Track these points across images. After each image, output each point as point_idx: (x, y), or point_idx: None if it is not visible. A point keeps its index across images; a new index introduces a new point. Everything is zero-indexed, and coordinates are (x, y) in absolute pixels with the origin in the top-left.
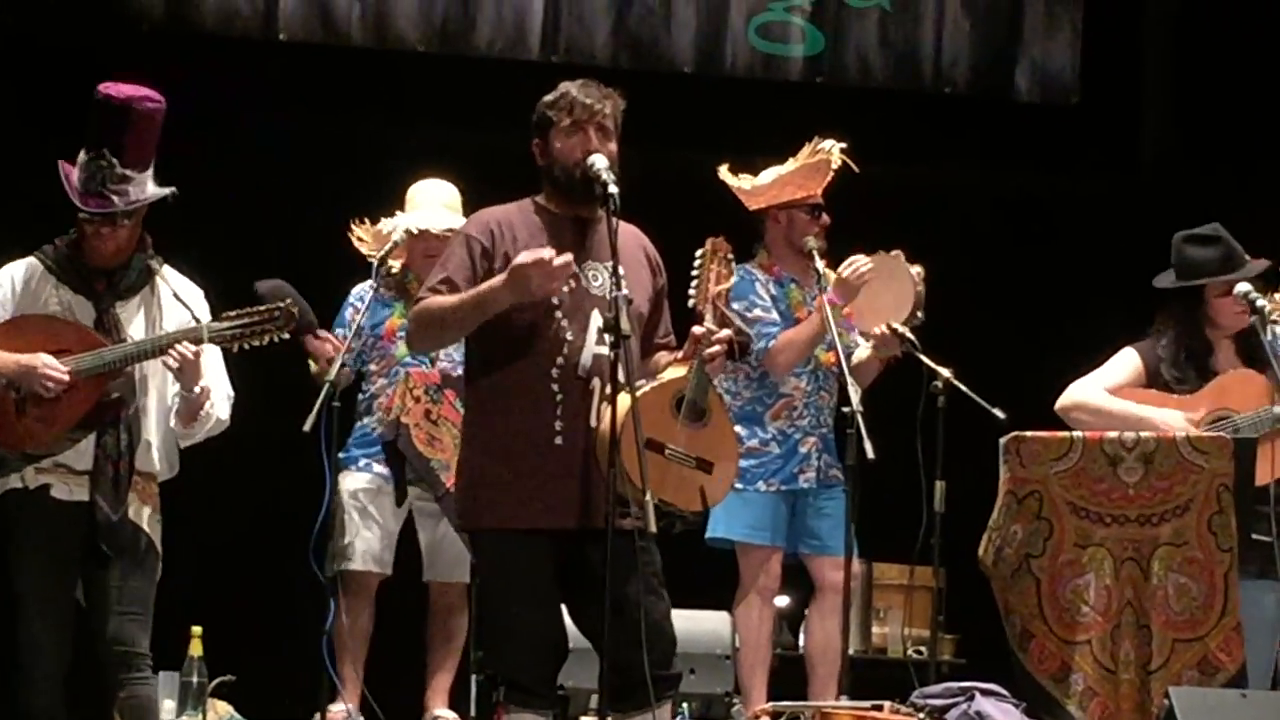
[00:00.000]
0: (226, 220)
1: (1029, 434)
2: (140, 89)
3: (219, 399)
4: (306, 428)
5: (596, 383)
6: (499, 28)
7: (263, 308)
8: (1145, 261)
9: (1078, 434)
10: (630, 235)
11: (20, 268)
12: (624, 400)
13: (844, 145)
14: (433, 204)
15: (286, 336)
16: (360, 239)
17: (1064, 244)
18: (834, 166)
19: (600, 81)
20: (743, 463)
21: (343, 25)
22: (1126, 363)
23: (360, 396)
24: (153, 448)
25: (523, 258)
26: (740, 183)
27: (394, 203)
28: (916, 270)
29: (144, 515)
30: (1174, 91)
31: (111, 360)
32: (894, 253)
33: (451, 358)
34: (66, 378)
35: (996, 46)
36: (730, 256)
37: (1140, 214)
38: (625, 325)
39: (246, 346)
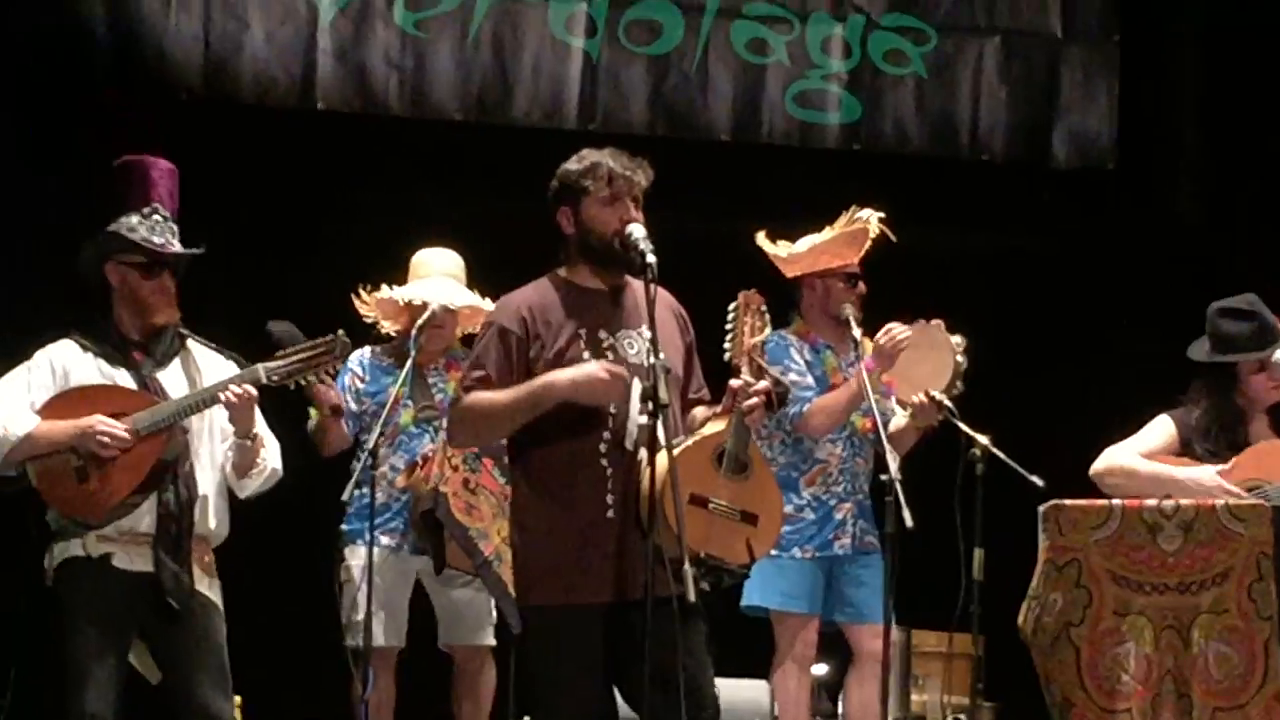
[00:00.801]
0: (253, 284)
1: (1068, 502)
2: (147, 156)
3: (271, 449)
4: (345, 497)
5: (644, 453)
6: (536, 97)
7: (316, 340)
8: (1182, 327)
9: (1116, 502)
10: (659, 298)
11: (57, 348)
12: (663, 462)
13: (882, 215)
14: (444, 274)
15: (339, 368)
16: (365, 304)
17: (1102, 310)
18: (872, 235)
19: (637, 150)
20: None
21: (380, 95)
22: (1161, 430)
23: (354, 465)
24: (208, 504)
25: (594, 369)
26: (778, 250)
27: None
28: (957, 340)
29: (204, 582)
30: (1210, 156)
31: (169, 414)
32: (935, 322)
33: None
34: (126, 434)
35: (1033, 113)
36: (764, 309)
37: (1177, 279)
38: (664, 393)
39: (303, 382)
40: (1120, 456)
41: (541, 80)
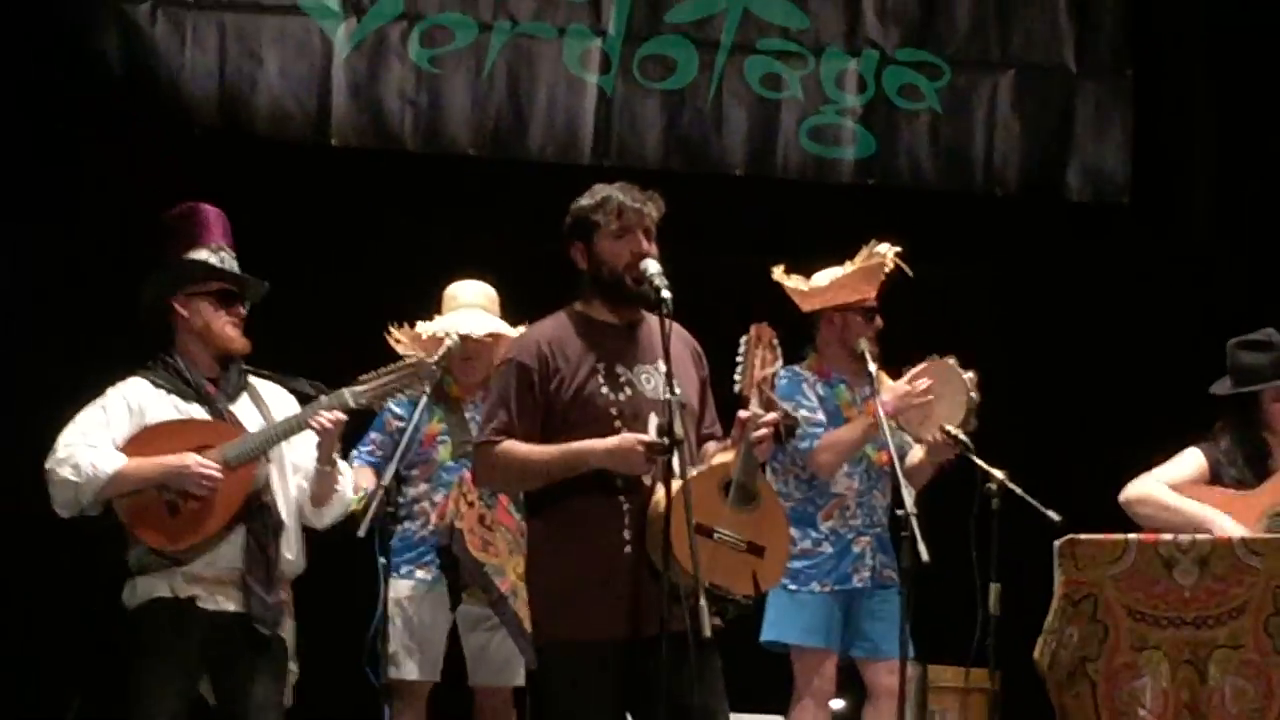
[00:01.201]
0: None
1: (1083, 537)
2: (199, 203)
3: (345, 476)
4: (361, 533)
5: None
6: (550, 132)
7: (403, 363)
8: (1198, 361)
9: (1132, 536)
10: (674, 332)
11: (129, 386)
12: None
13: (899, 249)
14: (471, 305)
15: (426, 389)
16: (398, 340)
17: (1116, 344)
18: (888, 270)
19: (651, 185)
20: (796, 564)
21: (395, 129)
22: (1191, 461)
23: (400, 501)
24: (289, 534)
25: (630, 440)
26: (796, 284)
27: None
28: (970, 376)
29: (284, 624)
30: (1225, 190)
31: (258, 444)
32: (948, 359)
33: None
34: (219, 473)
35: (1047, 147)
36: (775, 342)
37: (1193, 313)
38: (679, 428)
39: (391, 403)
40: (1151, 486)
41: (556, 116)
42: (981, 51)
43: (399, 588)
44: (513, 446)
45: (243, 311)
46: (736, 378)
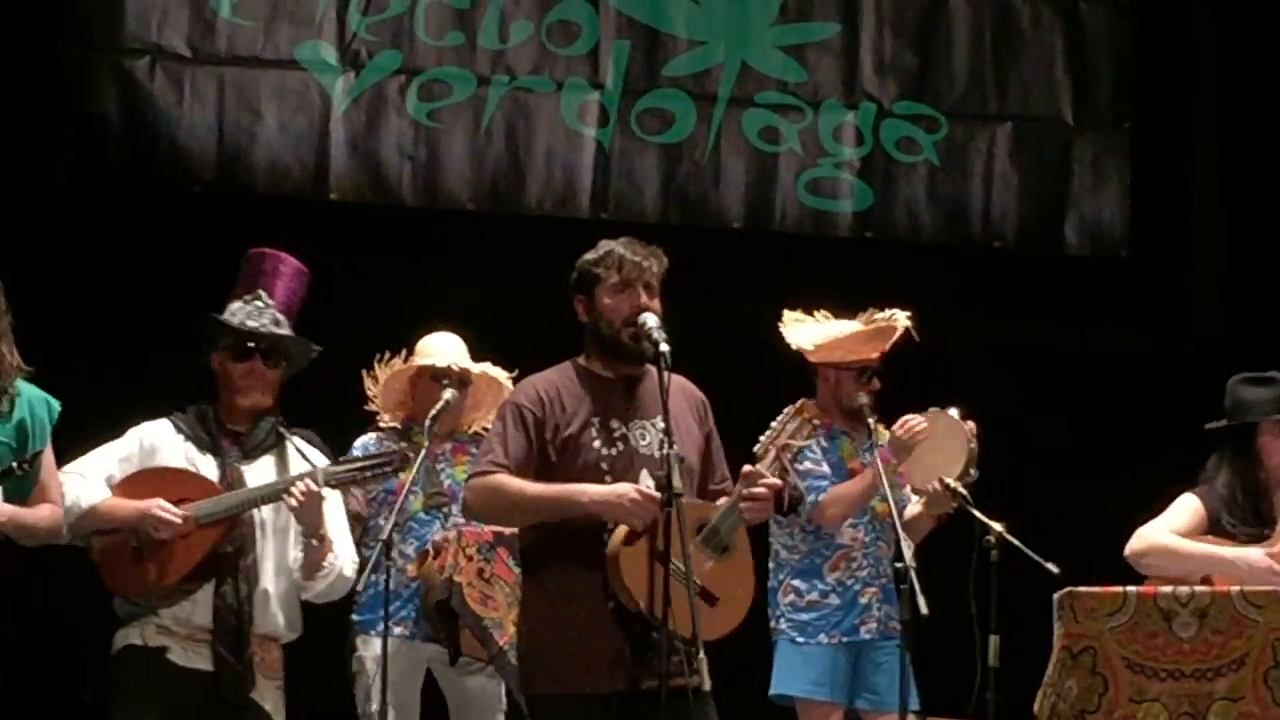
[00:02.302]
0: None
1: (1083, 589)
2: (278, 251)
3: (343, 554)
4: (359, 586)
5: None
6: (549, 186)
7: (379, 453)
8: (1196, 414)
9: (1131, 589)
10: (677, 387)
11: (151, 427)
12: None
13: (909, 313)
14: (444, 353)
15: (401, 478)
16: (372, 384)
17: (1114, 397)
18: (897, 334)
19: (649, 238)
20: (803, 616)
21: (393, 184)
22: (1187, 508)
23: (364, 551)
24: (270, 600)
25: (627, 490)
26: (795, 338)
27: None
28: (969, 426)
29: (265, 689)
30: (1224, 243)
31: (230, 506)
32: (948, 410)
33: None
34: (179, 521)
35: (1045, 200)
36: (817, 423)
37: (1191, 367)
38: (678, 482)
39: (360, 492)
40: (1157, 535)
41: (554, 169)
42: (979, 104)
43: (375, 645)
44: (507, 479)
45: (260, 367)
46: (762, 438)
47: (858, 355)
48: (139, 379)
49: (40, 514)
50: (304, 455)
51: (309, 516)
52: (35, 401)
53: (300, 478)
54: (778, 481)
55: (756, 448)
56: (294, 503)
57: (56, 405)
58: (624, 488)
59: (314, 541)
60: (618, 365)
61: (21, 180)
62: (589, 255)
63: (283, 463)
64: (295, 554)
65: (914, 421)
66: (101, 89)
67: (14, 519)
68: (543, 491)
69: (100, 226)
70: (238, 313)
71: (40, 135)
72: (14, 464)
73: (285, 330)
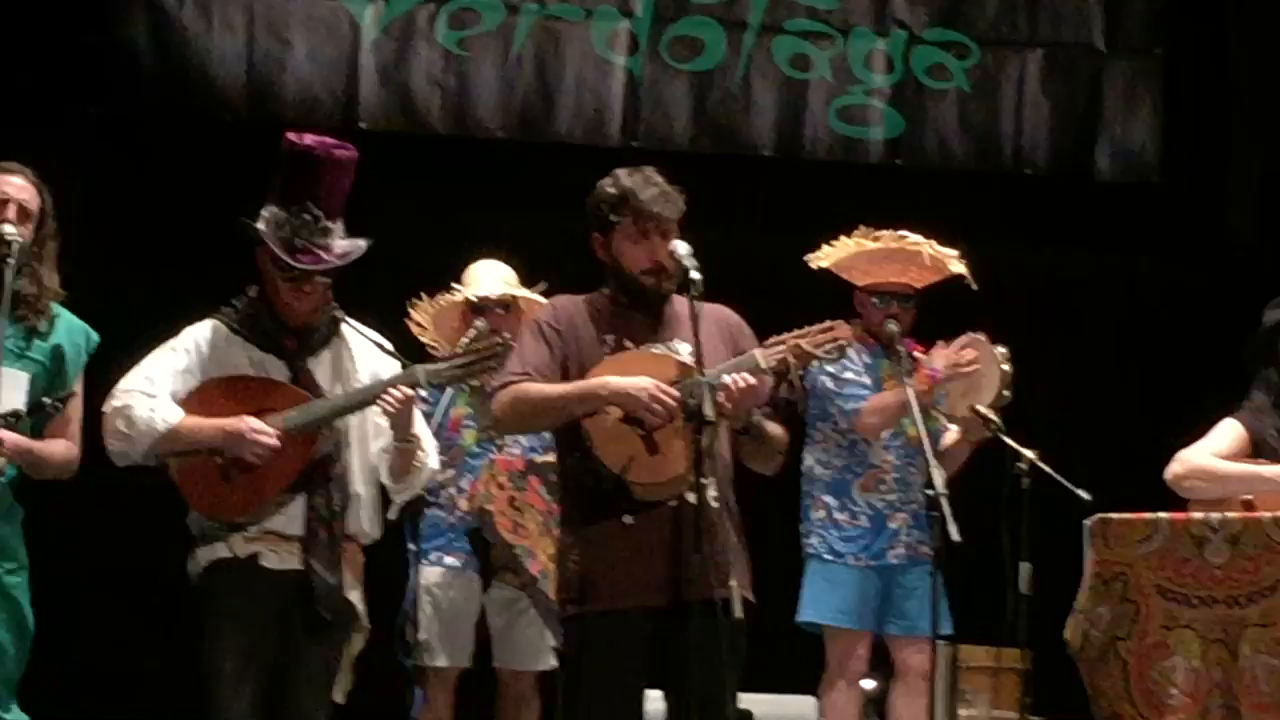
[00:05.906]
0: None
1: (1114, 516)
2: (329, 138)
3: (430, 448)
4: (392, 515)
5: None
6: (578, 114)
7: (479, 346)
8: (1230, 340)
9: (1163, 515)
10: (708, 314)
11: (205, 329)
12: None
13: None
14: (492, 278)
15: (454, 412)
16: (420, 325)
17: (1147, 324)
18: (927, 262)
19: (679, 166)
20: (831, 533)
21: (423, 113)
22: (1229, 432)
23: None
24: (361, 504)
25: (648, 384)
26: (819, 259)
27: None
28: (1001, 350)
29: (353, 590)
30: (1257, 169)
31: (321, 415)
32: (979, 334)
33: (534, 444)
34: (276, 441)
35: (1076, 126)
36: (845, 347)
37: (1225, 293)
38: (709, 409)
39: (465, 387)
40: (1197, 458)
41: (584, 97)
42: (1010, 31)
43: (428, 574)
44: (528, 385)
45: (313, 285)
46: (784, 335)
47: (876, 278)
48: (171, 308)
49: (55, 448)
50: (376, 344)
51: (403, 422)
52: (75, 330)
53: (393, 382)
54: (753, 381)
55: (773, 341)
56: (391, 408)
57: (95, 337)
58: (645, 382)
59: (405, 444)
60: (636, 302)
61: (53, 110)
62: (602, 191)
63: (346, 354)
64: (380, 452)
65: (969, 353)
66: (132, 19)
67: (30, 452)
68: (564, 389)
69: (132, 155)
70: (285, 226)
71: (71, 66)
72: (48, 401)
73: (336, 241)
